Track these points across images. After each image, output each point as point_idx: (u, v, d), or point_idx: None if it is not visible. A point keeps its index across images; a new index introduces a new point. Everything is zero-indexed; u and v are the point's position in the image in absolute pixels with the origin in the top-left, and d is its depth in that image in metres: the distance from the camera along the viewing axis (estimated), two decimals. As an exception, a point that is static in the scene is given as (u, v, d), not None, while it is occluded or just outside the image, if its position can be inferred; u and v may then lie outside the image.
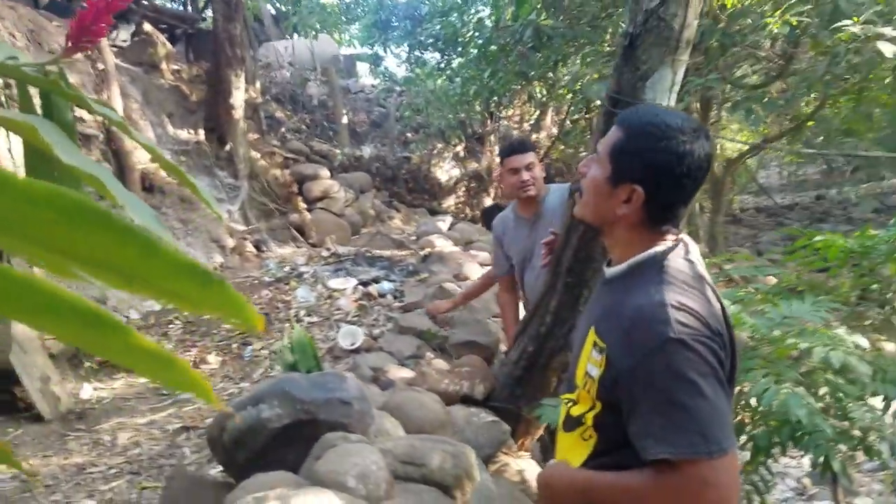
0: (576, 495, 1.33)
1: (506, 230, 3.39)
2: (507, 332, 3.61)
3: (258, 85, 9.15)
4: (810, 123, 11.59)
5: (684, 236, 1.37)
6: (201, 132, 7.40)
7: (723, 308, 1.28)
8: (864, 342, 2.52)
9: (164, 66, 7.97)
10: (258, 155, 8.00)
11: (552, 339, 3.08)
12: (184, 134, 7.19)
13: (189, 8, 11.63)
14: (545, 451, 3.61)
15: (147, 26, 8.14)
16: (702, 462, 1.13)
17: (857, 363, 2.06)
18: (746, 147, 10.31)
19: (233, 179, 7.31)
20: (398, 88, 12.47)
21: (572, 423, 1.38)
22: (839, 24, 5.76)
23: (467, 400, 3.31)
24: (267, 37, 13.22)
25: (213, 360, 4.20)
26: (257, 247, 6.66)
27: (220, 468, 2.28)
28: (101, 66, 6.27)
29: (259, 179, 7.62)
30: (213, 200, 0.69)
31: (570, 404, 1.38)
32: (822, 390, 2.45)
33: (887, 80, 7.68)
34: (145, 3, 8.98)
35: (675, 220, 1.33)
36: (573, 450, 1.38)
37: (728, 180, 10.80)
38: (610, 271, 1.38)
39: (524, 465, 3.12)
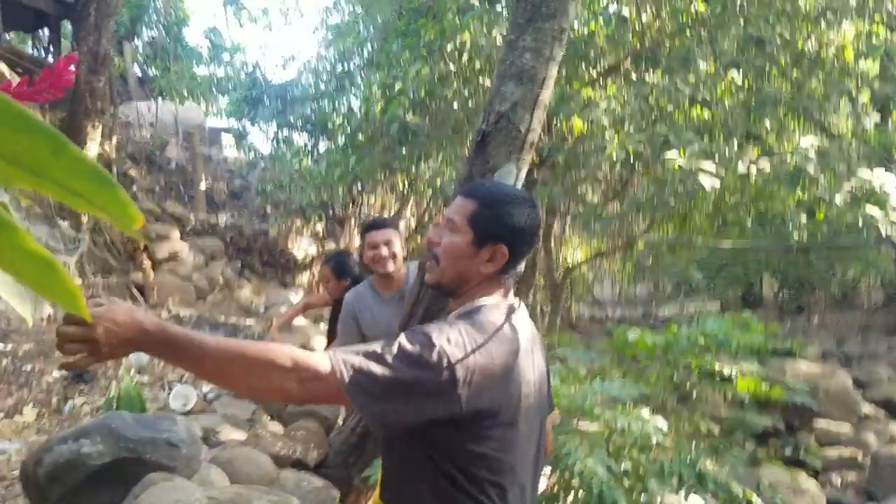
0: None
1: (363, 308, 3.28)
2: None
3: (114, 140, 8.87)
4: (641, 246, 12.76)
5: (518, 301, 1.54)
6: (46, 179, 7.02)
7: (522, 374, 1.41)
8: (663, 425, 2.83)
9: (15, 108, 7.51)
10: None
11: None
12: (26, 178, 6.77)
13: (50, 56, 11.20)
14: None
15: (2, 66, 7.76)
16: (336, 378, 1.22)
17: (653, 432, 2.32)
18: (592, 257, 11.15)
19: (74, 231, 6.93)
20: (262, 164, 12.47)
21: None
22: (668, 155, 6.55)
23: (299, 465, 3.28)
24: (129, 97, 12.89)
25: (29, 412, 3.88)
26: (91, 302, 6.28)
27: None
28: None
29: (102, 234, 7.27)
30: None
31: None
32: (625, 465, 2.70)
33: (707, 212, 8.72)
34: (3, 44, 8.59)
35: (516, 271, 1.53)
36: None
37: (566, 287, 11.56)
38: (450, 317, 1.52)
39: (349, 535, 3.12)
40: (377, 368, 1.25)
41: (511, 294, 1.54)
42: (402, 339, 1.30)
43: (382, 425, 1.32)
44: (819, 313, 17.21)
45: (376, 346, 1.29)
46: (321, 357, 1.26)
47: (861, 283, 17.94)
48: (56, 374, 4.46)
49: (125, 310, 1.15)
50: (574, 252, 15.97)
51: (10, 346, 4.92)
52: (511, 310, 1.48)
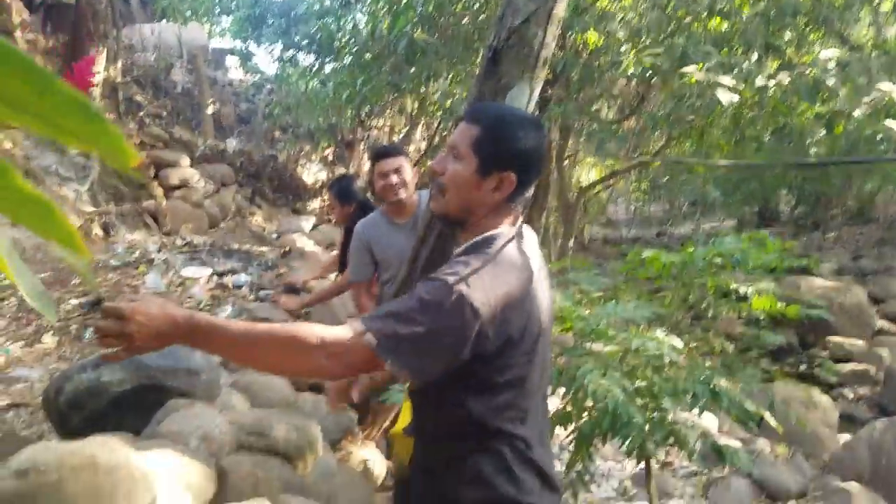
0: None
1: (376, 236, 3.28)
2: None
3: (119, 65, 8.71)
4: (656, 164, 12.55)
5: (526, 226, 1.51)
6: (52, 106, 6.96)
7: (536, 300, 1.40)
8: (678, 343, 2.83)
9: (17, 34, 7.41)
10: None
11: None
12: (31, 106, 6.71)
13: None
14: (390, 446, 3.70)
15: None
16: (365, 343, 1.22)
17: (668, 351, 2.33)
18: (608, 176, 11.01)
19: (83, 158, 6.90)
20: (268, 86, 12.25)
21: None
22: (685, 68, 6.36)
23: (317, 388, 3.35)
24: (132, 19, 12.58)
25: (50, 339, 3.97)
26: (105, 230, 6.32)
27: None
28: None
29: (113, 161, 7.23)
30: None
31: None
32: (640, 383, 2.72)
33: (724, 126, 8.56)
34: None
35: (524, 197, 1.48)
36: (408, 412, 1.51)
37: (580, 208, 11.49)
38: (459, 249, 1.48)
39: (368, 455, 3.20)
40: (402, 327, 1.24)
41: (520, 221, 1.50)
42: (421, 291, 1.28)
43: (419, 380, 1.32)
44: (835, 228, 17.11)
45: (397, 305, 1.29)
46: (345, 329, 1.25)
47: (878, 196, 17.73)
48: (74, 301, 4.53)
49: (157, 304, 1.20)
50: (588, 172, 15.80)
51: (27, 276, 4.97)
52: (521, 237, 1.46)
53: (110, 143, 0.50)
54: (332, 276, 4.45)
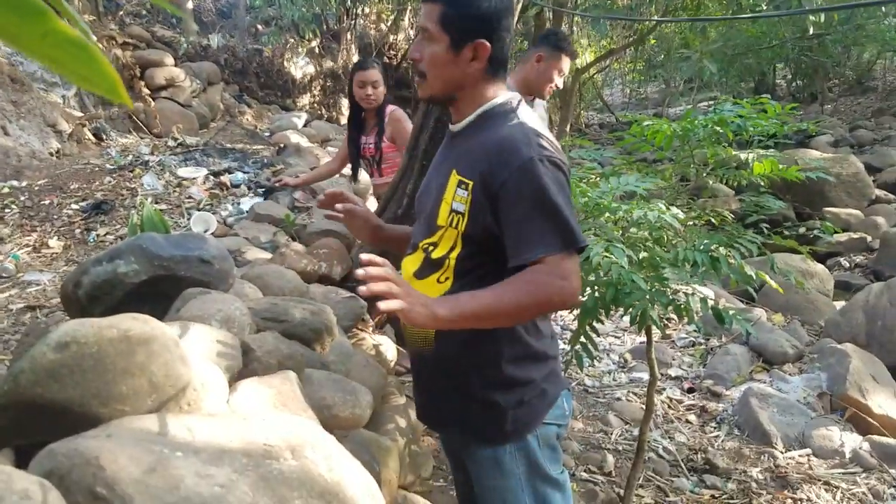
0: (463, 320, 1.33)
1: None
2: None
3: (93, -38, 8.31)
4: (652, 41, 12.23)
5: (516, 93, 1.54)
6: (28, 8, 6.68)
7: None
8: (679, 213, 2.86)
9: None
10: (95, 38, 7.36)
11: (408, 221, 3.22)
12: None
13: None
14: (399, 335, 3.81)
15: None
16: (567, 256, 1.32)
17: (669, 219, 2.36)
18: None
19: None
20: (248, -23, 11.72)
21: (431, 268, 1.49)
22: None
23: (325, 280, 3.42)
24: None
25: (56, 244, 3.99)
26: (97, 135, 6.23)
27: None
28: None
29: (96, 64, 7.02)
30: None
31: (430, 248, 1.49)
32: (642, 254, 2.77)
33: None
34: None
35: (506, 64, 1.50)
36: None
37: (575, 93, 11.27)
38: (458, 126, 1.51)
39: (380, 340, 3.30)
40: (567, 216, 1.34)
41: (518, 99, 1.52)
42: (533, 184, 1.33)
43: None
44: (832, 100, 16.89)
45: (542, 206, 1.33)
46: (553, 266, 1.31)
47: (876, 64, 17.41)
48: (75, 206, 4.53)
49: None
50: (583, 54, 15.39)
51: (25, 183, 4.95)
52: (533, 115, 1.49)
53: (105, 81, 0.51)
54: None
